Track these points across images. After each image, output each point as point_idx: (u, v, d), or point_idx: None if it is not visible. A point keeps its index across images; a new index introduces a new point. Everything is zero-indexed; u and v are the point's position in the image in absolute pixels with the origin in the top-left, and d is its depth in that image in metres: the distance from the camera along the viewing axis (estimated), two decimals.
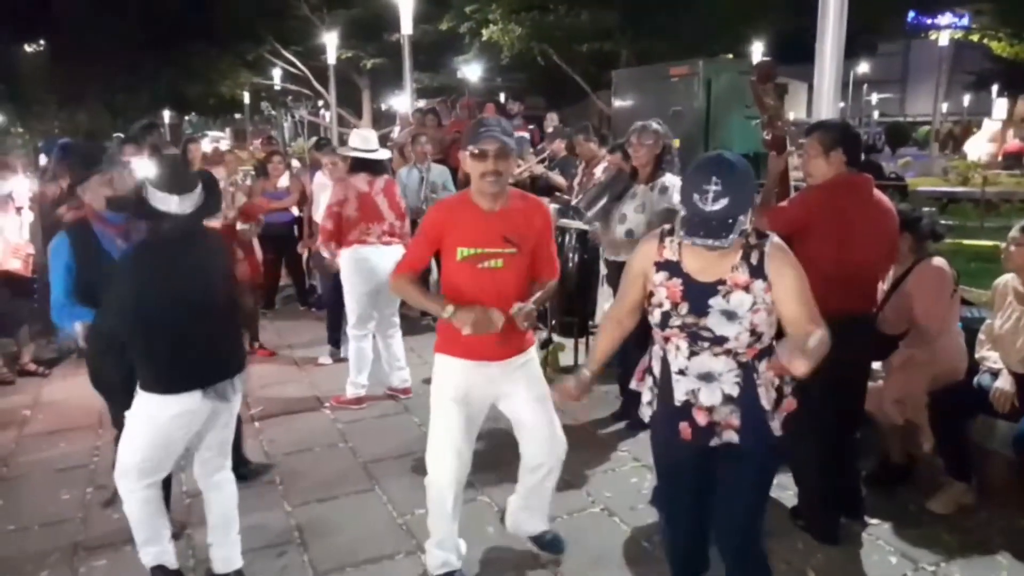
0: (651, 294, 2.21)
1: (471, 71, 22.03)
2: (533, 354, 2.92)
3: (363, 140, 5.01)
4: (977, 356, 3.57)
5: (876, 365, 3.70)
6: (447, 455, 2.80)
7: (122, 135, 8.98)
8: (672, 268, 2.17)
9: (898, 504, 3.48)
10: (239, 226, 5.54)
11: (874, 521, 3.35)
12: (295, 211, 7.59)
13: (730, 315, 2.09)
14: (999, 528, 3.28)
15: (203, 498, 2.99)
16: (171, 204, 2.62)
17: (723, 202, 1.95)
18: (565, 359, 5.41)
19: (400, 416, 4.80)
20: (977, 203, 13.42)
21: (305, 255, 7.96)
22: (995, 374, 3.37)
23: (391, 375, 5.09)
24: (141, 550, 2.89)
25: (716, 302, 2.10)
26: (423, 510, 3.28)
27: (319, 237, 5.11)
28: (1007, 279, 3.42)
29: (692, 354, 2.17)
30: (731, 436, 2.19)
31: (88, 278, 2.95)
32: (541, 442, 2.89)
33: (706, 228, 1.97)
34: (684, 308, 2.13)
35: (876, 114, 46.74)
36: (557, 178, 6.96)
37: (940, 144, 29.50)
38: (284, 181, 7.53)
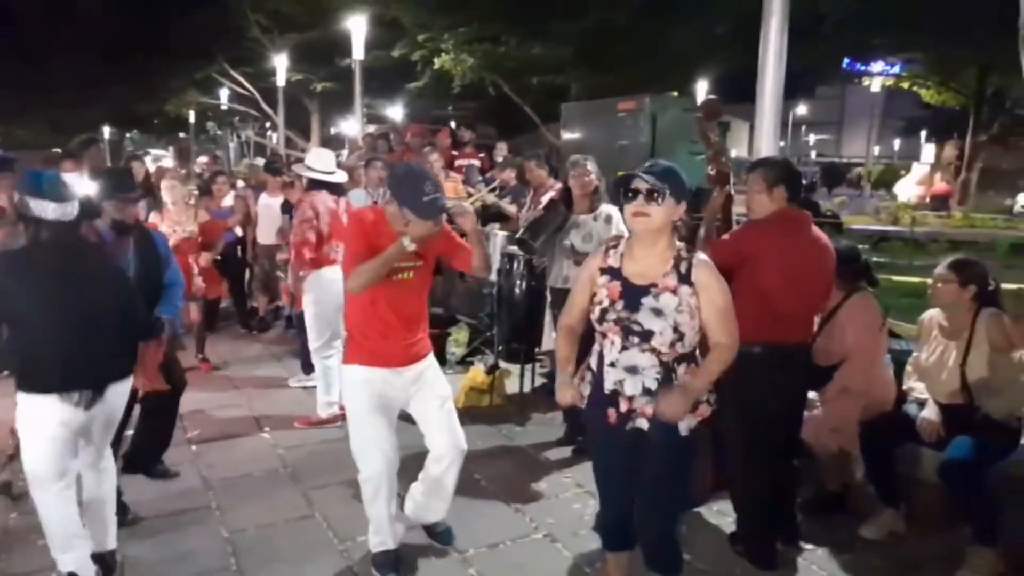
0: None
1: (394, 111, 22.36)
2: (433, 359, 3.27)
3: (323, 162, 4.98)
4: (905, 387, 3.71)
5: (812, 395, 3.81)
6: (375, 455, 3.06)
7: (59, 150, 8.70)
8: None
9: (832, 530, 3.56)
10: (203, 253, 5.95)
11: (809, 547, 3.43)
12: (238, 231, 7.48)
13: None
14: (928, 553, 3.38)
15: (81, 481, 3.03)
16: (47, 211, 2.74)
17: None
18: (511, 386, 5.42)
19: (342, 442, 4.59)
20: (906, 242, 13.98)
21: (247, 276, 7.83)
22: (922, 404, 3.51)
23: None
24: (58, 557, 2.90)
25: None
26: (364, 537, 3.26)
27: (296, 258, 4.88)
28: (932, 314, 3.57)
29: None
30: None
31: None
32: (445, 435, 3.19)
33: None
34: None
35: (814, 154, 48.55)
36: (508, 207, 7.01)
37: (872, 185, 30.77)
38: (228, 201, 7.44)
